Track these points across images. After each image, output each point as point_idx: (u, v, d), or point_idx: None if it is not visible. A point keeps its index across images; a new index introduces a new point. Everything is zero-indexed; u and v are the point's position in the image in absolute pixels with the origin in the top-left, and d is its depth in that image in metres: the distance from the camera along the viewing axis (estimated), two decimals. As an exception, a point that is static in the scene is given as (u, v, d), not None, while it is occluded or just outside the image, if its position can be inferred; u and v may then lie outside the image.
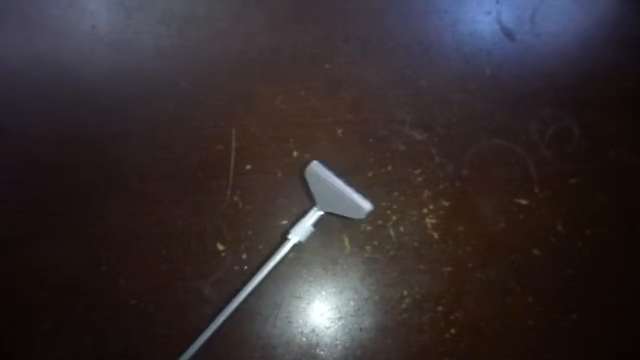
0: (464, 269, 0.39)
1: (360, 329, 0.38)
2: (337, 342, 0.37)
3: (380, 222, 0.40)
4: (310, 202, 0.39)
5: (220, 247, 0.39)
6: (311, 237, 0.38)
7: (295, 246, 0.37)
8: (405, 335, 0.38)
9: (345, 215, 0.37)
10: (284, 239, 0.37)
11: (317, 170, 0.37)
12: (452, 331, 0.38)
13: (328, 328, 0.38)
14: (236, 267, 0.39)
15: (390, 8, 0.48)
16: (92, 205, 0.41)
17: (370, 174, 0.42)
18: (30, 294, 0.39)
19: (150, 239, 0.40)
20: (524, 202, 0.41)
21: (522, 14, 0.49)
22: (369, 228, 0.40)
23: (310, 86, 0.45)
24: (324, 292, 0.39)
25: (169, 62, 0.46)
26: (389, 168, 0.42)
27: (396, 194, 0.41)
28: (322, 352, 0.37)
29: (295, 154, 0.42)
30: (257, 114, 0.44)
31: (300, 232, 0.36)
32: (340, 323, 0.38)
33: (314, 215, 0.37)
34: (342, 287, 0.39)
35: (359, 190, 0.37)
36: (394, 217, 0.41)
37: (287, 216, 0.40)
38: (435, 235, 0.40)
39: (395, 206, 0.41)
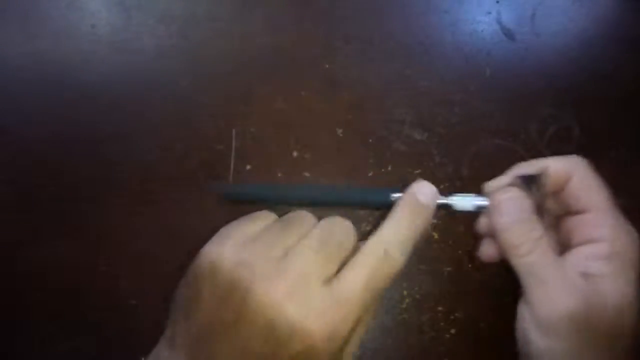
0: (464, 269, 0.39)
1: (360, 329, 0.38)
2: (337, 342, 0.37)
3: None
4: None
5: (220, 247, 0.39)
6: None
7: (440, 206, 0.29)
8: (405, 335, 0.38)
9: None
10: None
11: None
12: (452, 331, 0.38)
13: (328, 328, 0.38)
14: (236, 267, 0.39)
15: (390, 8, 0.48)
16: (92, 205, 0.41)
17: (370, 174, 0.42)
18: (30, 295, 0.39)
19: (150, 239, 0.40)
20: (524, 202, 0.41)
21: (522, 14, 0.49)
22: (369, 228, 0.40)
23: (310, 86, 0.45)
24: (324, 292, 0.39)
25: (169, 62, 0.46)
26: (389, 168, 0.42)
27: (396, 194, 0.41)
28: (322, 352, 0.37)
29: (295, 154, 0.42)
30: (257, 114, 0.44)
31: (460, 201, 0.29)
32: (340, 323, 0.38)
33: (483, 199, 0.29)
34: (342, 287, 0.39)
35: None
36: (394, 217, 0.40)
37: (287, 216, 0.40)
38: (435, 235, 0.40)
39: (395, 206, 0.41)
